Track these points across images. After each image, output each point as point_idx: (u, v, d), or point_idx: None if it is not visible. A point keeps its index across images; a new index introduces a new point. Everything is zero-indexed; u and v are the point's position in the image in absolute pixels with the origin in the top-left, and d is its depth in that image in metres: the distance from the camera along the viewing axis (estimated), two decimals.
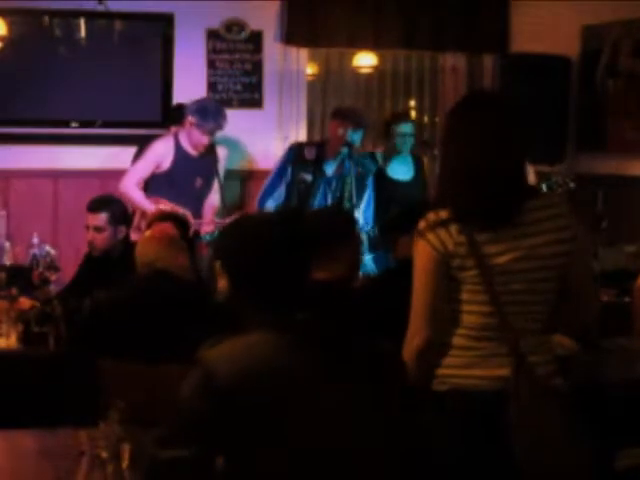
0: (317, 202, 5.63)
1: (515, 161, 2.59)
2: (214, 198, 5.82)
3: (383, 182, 5.88)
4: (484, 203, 2.52)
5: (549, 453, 2.48)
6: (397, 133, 6.01)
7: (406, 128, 6.04)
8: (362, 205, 5.68)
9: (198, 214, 5.66)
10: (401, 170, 6.13)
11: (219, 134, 5.75)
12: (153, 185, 5.69)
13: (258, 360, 1.99)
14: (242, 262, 2.13)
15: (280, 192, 5.66)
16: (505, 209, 2.54)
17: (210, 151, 5.71)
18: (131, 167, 5.77)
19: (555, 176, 5.52)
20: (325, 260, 3.42)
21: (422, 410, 2.42)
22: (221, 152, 5.85)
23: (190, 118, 5.60)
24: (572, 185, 5.45)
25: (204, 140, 5.63)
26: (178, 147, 5.70)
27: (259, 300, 2.11)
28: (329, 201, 5.62)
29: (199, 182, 5.76)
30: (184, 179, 5.70)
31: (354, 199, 5.48)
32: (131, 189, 5.57)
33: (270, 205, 5.65)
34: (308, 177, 5.64)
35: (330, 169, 5.66)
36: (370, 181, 5.73)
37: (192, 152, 5.70)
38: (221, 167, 5.85)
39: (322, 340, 2.08)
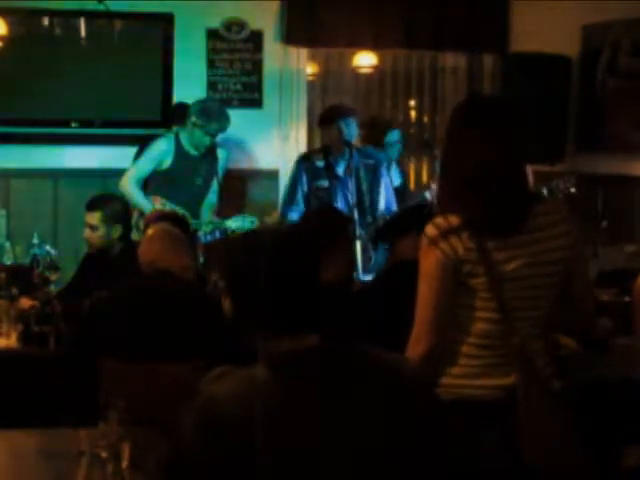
0: (339, 205, 5.64)
1: (516, 166, 2.59)
2: (212, 198, 5.83)
3: None
4: (492, 210, 2.52)
5: (556, 455, 2.48)
6: (387, 142, 6.07)
7: (395, 135, 6.09)
8: (381, 195, 5.68)
9: (196, 214, 5.67)
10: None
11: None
12: (153, 184, 5.70)
13: (259, 398, 1.86)
14: (244, 283, 2.00)
15: (299, 203, 5.68)
16: (513, 216, 2.54)
17: (210, 151, 5.72)
18: (131, 166, 5.78)
19: (556, 180, 5.52)
20: (324, 261, 3.40)
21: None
22: (221, 153, 5.85)
23: (193, 118, 5.60)
24: (573, 190, 5.45)
25: (206, 141, 5.64)
26: (179, 146, 5.71)
27: (262, 323, 1.99)
28: (351, 201, 5.62)
29: (198, 182, 5.77)
30: (184, 178, 5.71)
31: (365, 195, 5.50)
32: (131, 188, 5.58)
33: (294, 217, 5.66)
34: (324, 183, 5.66)
35: (341, 170, 5.68)
36: (384, 169, 5.75)
37: (193, 152, 5.71)
38: (220, 168, 5.85)
39: (331, 373, 1.93)
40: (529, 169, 4.85)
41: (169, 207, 5.55)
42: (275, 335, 1.96)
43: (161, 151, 5.70)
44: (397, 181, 6.27)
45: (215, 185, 5.80)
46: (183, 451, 1.89)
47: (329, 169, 5.66)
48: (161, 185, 5.68)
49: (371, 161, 5.67)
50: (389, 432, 1.91)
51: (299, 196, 5.69)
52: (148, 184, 5.70)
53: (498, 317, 2.52)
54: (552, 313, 2.65)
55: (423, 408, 1.99)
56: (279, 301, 1.97)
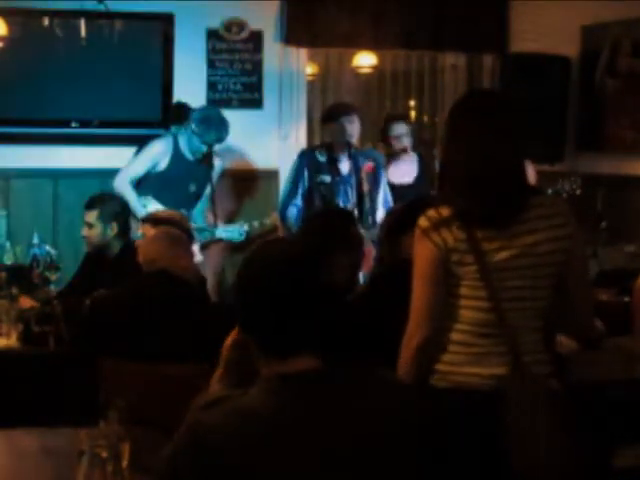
0: (340, 201, 5.64)
1: (515, 159, 2.61)
2: (204, 204, 5.91)
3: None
4: (484, 202, 2.54)
5: (542, 453, 2.49)
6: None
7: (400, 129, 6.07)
8: (380, 197, 5.68)
9: (189, 218, 5.68)
10: (401, 172, 6.15)
11: None
12: (146, 184, 5.71)
13: (250, 429, 1.83)
14: (248, 301, 1.96)
15: (298, 198, 5.67)
16: (505, 207, 2.56)
17: (207, 158, 5.75)
18: (127, 165, 5.78)
19: (562, 181, 5.53)
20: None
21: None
22: (217, 162, 5.88)
23: (193, 126, 5.62)
24: (579, 192, 5.47)
25: (203, 149, 5.68)
26: (176, 149, 5.72)
27: (266, 341, 1.95)
28: (351, 199, 5.63)
29: (192, 187, 5.80)
30: (178, 182, 5.73)
31: (365, 196, 5.51)
32: (125, 187, 5.59)
33: (293, 213, 5.65)
34: (326, 178, 5.66)
35: (345, 168, 5.68)
36: (382, 171, 5.75)
37: (189, 156, 5.73)
38: (215, 176, 5.88)
39: (329, 396, 1.90)
40: (532, 167, 4.85)
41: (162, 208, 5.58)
42: (270, 357, 1.94)
43: (158, 152, 5.72)
44: None
45: (208, 191, 5.84)
46: (173, 467, 1.89)
47: (332, 164, 5.66)
48: (154, 187, 5.69)
49: (372, 162, 5.67)
50: (388, 459, 1.89)
51: (299, 191, 5.68)
52: (141, 184, 5.71)
53: (488, 306, 2.55)
54: (552, 311, 2.66)
55: (421, 432, 1.99)
56: (274, 323, 1.92)
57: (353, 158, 5.61)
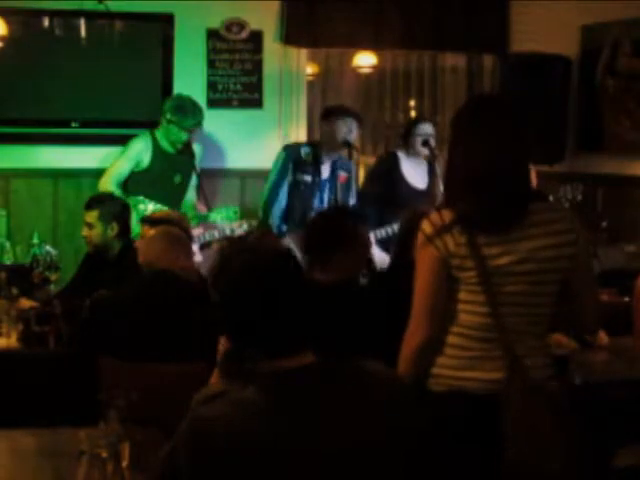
0: (317, 204, 5.62)
1: (518, 164, 2.61)
2: (191, 195, 5.92)
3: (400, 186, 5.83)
4: (486, 206, 2.54)
5: (540, 456, 2.48)
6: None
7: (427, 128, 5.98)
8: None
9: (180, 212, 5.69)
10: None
11: (219, 134, 5.75)
12: (132, 184, 5.73)
13: (251, 422, 1.84)
14: (233, 306, 1.98)
15: (283, 193, 5.64)
16: (507, 212, 2.55)
17: (187, 148, 5.78)
18: (110, 167, 5.80)
19: (563, 188, 5.53)
20: (327, 262, 3.42)
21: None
22: (197, 149, 5.92)
23: (168, 115, 5.65)
24: (580, 198, 5.47)
25: (183, 136, 5.71)
26: (156, 145, 5.75)
27: (252, 347, 1.96)
28: (325, 204, 5.62)
29: (177, 179, 5.83)
30: (163, 177, 5.77)
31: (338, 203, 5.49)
32: (112, 189, 5.60)
33: (277, 210, 5.61)
34: (307, 178, 5.63)
35: (326, 171, 5.67)
36: (353, 184, 5.74)
37: (170, 149, 5.76)
38: (198, 163, 5.90)
39: (323, 392, 1.91)
40: (533, 170, 4.87)
41: (154, 207, 5.58)
42: (267, 357, 1.94)
43: (139, 150, 5.76)
44: None
45: (194, 181, 5.85)
46: (174, 462, 1.89)
47: (315, 165, 5.63)
48: (140, 184, 5.72)
49: (347, 174, 5.67)
50: (386, 451, 1.90)
51: (284, 187, 5.61)
52: (127, 184, 5.73)
53: (487, 310, 2.55)
54: (557, 312, 2.66)
55: (417, 425, 1.99)
56: (263, 325, 1.94)
57: (333, 164, 5.59)
